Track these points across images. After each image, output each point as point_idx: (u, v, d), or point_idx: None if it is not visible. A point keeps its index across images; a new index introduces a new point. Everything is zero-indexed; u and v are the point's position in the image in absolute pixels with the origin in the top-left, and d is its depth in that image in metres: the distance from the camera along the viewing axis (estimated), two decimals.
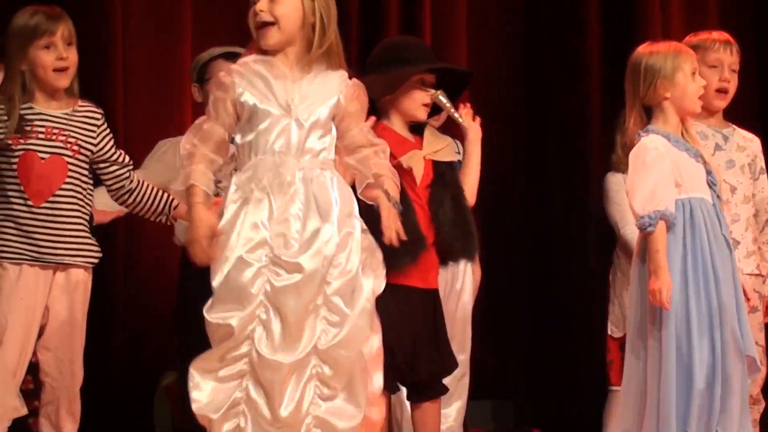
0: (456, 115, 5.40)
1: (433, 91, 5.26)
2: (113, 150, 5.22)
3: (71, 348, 5.12)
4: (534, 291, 7.37)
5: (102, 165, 5.21)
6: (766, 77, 7.07)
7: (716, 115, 5.54)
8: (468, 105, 5.44)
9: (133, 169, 5.48)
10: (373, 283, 4.53)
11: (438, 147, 5.33)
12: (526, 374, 7.35)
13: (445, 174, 5.32)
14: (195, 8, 6.70)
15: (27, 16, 5.11)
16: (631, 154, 4.95)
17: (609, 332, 6.27)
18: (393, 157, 5.05)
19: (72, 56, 5.10)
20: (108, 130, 5.23)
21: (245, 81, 4.47)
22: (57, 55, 5.07)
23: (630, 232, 6.02)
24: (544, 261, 7.34)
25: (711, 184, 4.96)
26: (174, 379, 6.12)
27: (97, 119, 5.19)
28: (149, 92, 6.73)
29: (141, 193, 5.27)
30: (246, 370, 4.38)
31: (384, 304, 4.96)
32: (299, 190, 4.45)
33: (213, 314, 4.37)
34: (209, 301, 4.35)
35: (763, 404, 5.54)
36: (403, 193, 5.01)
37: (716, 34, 5.57)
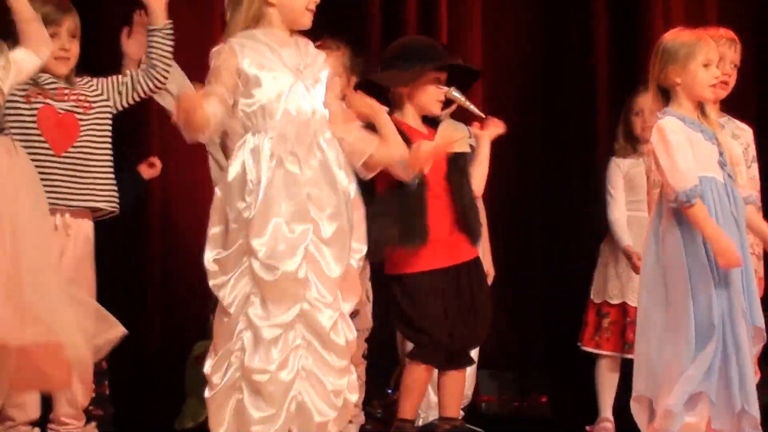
0: (472, 107, 5.51)
1: (446, 88, 5.37)
2: (109, 81, 5.32)
3: None
4: (545, 269, 7.40)
5: (118, 93, 5.33)
6: (763, 73, 7.03)
7: (713, 106, 5.42)
8: (491, 121, 5.57)
9: None
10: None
11: (453, 138, 5.40)
12: (535, 347, 7.39)
13: (458, 161, 5.42)
14: None
15: (38, 4, 5.08)
16: (654, 139, 4.93)
17: (591, 296, 6.48)
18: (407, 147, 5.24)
19: (74, 48, 5.21)
20: (96, 79, 5.32)
21: (248, 50, 4.56)
22: (60, 45, 5.15)
23: (614, 214, 6.36)
24: (555, 242, 7.37)
25: (722, 165, 4.96)
26: (205, 350, 5.87)
27: (91, 81, 5.30)
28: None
29: (143, 71, 5.36)
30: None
31: (411, 292, 5.29)
32: (318, 151, 4.57)
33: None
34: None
35: (758, 375, 5.37)
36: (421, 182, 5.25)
37: (723, 31, 5.52)
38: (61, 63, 5.18)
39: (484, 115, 5.59)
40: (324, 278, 4.56)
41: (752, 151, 5.62)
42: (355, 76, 5.60)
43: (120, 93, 5.33)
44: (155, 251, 6.70)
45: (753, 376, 4.87)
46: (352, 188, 4.66)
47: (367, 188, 5.12)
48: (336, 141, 4.62)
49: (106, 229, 5.51)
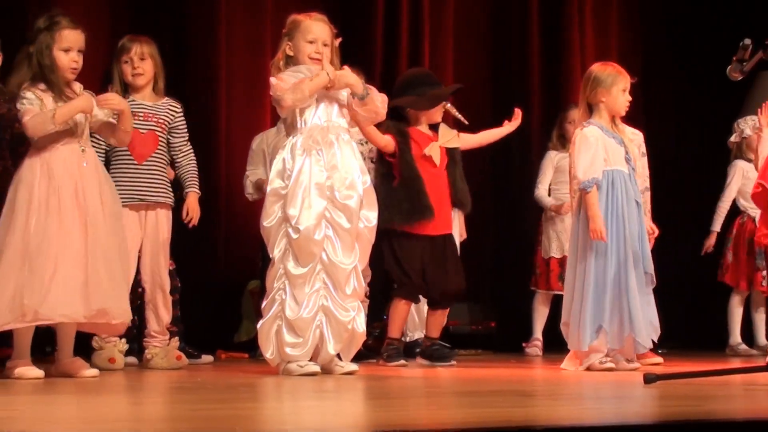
0: (460, 116, 5.70)
1: (445, 104, 5.62)
2: (181, 133, 5.34)
3: (160, 266, 5.26)
4: (495, 229, 7.44)
5: (169, 139, 5.35)
6: (647, 89, 7.12)
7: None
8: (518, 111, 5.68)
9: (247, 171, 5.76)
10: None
11: (448, 137, 5.60)
12: (487, 285, 7.41)
13: (454, 156, 5.62)
14: (273, 31, 6.49)
15: (122, 40, 5.35)
16: (576, 139, 5.03)
17: (542, 254, 6.62)
18: (421, 148, 5.53)
19: (144, 66, 5.28)
20: (183, 120, 5.34)
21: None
22: (132, 65, 5.28)
23: (539, 191, 6.42)
24: (505, 210, 7.43)
25: (627, 161, 5.08)
26: (257, 285, 6.25)
27: (177, 110, 5.36)
28: (244, 96, 6.78)
29: (179, 168, 5.38)
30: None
31: (406, 246, 5.37)
32: (337, 146, 4.68)
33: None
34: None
35: None
36: (414, 170, 5.40)
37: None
38: (137, 78, 5.30)
39: (467, 122, 5.73)
40: (342, 239, 4.63)
41: (643, 149, 5.68)
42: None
43: (169, 152, 5.36)
44: (221, 216, 6.69)
45: (640, 311, 4.99)
46: (364, 175, 4.73)
47: (386, 180, 5.35)
48: (349, 140, 4.73)
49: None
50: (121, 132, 4.78)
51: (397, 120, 5.53)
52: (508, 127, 5.77)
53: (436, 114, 5.63)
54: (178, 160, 5.42)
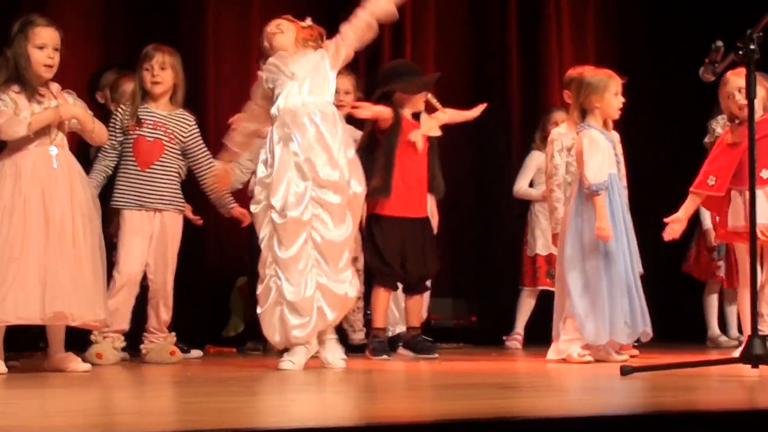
0: (438, 105, 5.76)
1: (427, 93, 5.69)
2: (198, 146, 5.31)
3: (165, 267, 5.25)
4: (477, 227, 7.43)
5: (188, 153, 5.32)
6: (624, 88, 7.07)
7: None
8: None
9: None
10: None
11: (430, 126, 5.66)
12: (469, 280, 7.37)
13: (433, 145, 5.69)
14: (260, 33, 6.53)
15: (147, 48, 5.33)
16: (585, 141, 5.01)
17: (527, 252, 6.61)
18: (405, 134, 5.58)
19: (163, 75, 5.25)
20: (197, 132, 5.31)
21: (267, 72, 4.72)
22: (152, 73, 5.24)
23: (520, 186, 6.47)
24: (486, 206, 7.42)
25: (617, 162, 5.14)
26: (245, 282, 6.27)
27: (190, 122, 5.33)
28: (232, 98, 6.49)
29: (209, 188, 5.33)
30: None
31: (386, 231, 5.39)
32: (309, 125, 4.61)
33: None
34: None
35: None
36: (392, 154, 5.45)
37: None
38: (155, 86, 5.26)
39: (445, 111, 5.77)
40: (333, 213, 4.59)
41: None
42: (360, 92, 5.83)
43: (187, 163, 5.34)
44: (210, 215, 6.22)
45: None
46: (348, 149, 4.69)
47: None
48: (327, 114, 4.64)
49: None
50: (87, 133, 4.75)
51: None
52: (473, 112, 5.83)
53: (420, 102, 5.69)
54: (200, 176, 5.39)
